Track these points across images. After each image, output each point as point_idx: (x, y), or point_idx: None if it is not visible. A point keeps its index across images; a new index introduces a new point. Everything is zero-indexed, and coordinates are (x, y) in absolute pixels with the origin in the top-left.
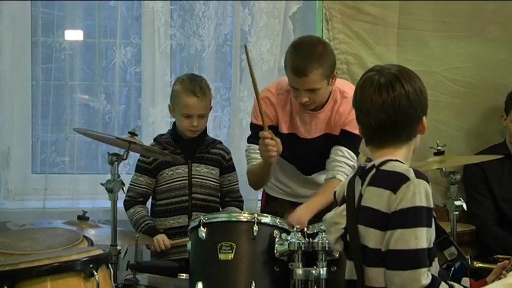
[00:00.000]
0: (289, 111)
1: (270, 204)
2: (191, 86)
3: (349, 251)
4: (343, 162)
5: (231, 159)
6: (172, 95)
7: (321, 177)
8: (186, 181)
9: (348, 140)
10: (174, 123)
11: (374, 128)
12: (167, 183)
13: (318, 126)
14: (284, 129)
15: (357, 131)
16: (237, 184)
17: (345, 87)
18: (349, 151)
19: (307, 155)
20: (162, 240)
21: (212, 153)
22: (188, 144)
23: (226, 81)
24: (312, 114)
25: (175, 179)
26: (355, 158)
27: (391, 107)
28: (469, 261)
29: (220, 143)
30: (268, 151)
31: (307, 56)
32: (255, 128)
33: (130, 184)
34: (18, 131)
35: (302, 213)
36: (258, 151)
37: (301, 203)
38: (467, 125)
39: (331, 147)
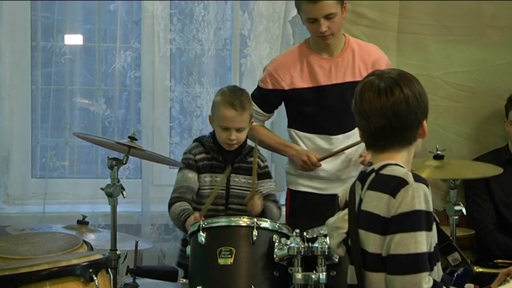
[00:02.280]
0: (306, 61)
1: (296, 213)
2: (231, 99)
3: (351, 255)
4: None
5: (266, 166)
6: (213, 106)
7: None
8: (224, 191)
9: None
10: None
11: (374, 133)
12: (205, 189)
13: (338, 72)
14: (301, 83)
15: None
16: (273, 191)
17: (364, 43)
18: None
19: (332, 105)
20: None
21: (248, 162)
22: (228, 153)
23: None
24: (330, 59)
25: (214, 187)
26: None
27: (390, 111)
28: None
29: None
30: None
31: None
32: (262, 92)
33: (176, 184)
34: (17, 135)
35: None
36: (260, 114)
37: (327, 195)
38: (468, 130)
39: None
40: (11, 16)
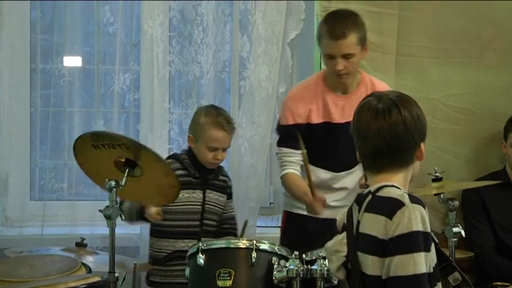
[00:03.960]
0: (321, 97)
1: (289, 234)
2: (218, 119)
3: (350, 279)
4: None
5: (231, 186)
6: (196, 127)
7: (349, 180)
8: (200, 206)
9: None
10: (190, 148)
11: (371, 153)
12: (181, 205)
13: (351, 110)
14: (317, 118)
15: None
16: (234, 211)
17: (376, 80)
18: None
19: (341, 144)
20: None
21: (220, 180)
22: (204, 170)
23: (225, 108)
24: (344, 98)
25: (191, 203)
26: None
27: (387, 132)
28: None
29: (223, 168)
30: (316, 211)
31: (344, 19)
32: (285, 129)
33: None
34: (16, 157)
35: None
36: (291, 154)
37: (321, 219)
38: (466, 152)
39: None
40: (10, 38)
